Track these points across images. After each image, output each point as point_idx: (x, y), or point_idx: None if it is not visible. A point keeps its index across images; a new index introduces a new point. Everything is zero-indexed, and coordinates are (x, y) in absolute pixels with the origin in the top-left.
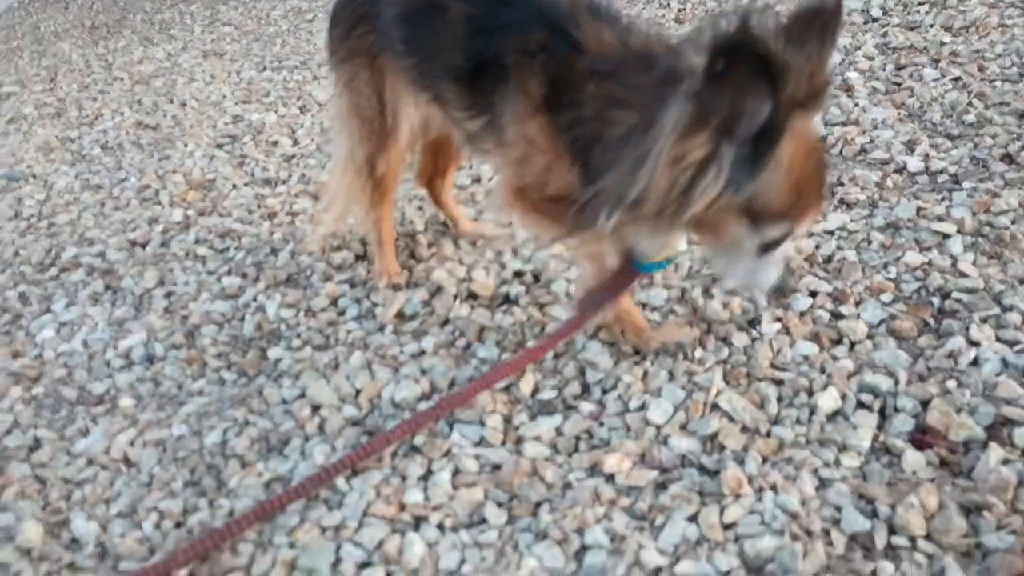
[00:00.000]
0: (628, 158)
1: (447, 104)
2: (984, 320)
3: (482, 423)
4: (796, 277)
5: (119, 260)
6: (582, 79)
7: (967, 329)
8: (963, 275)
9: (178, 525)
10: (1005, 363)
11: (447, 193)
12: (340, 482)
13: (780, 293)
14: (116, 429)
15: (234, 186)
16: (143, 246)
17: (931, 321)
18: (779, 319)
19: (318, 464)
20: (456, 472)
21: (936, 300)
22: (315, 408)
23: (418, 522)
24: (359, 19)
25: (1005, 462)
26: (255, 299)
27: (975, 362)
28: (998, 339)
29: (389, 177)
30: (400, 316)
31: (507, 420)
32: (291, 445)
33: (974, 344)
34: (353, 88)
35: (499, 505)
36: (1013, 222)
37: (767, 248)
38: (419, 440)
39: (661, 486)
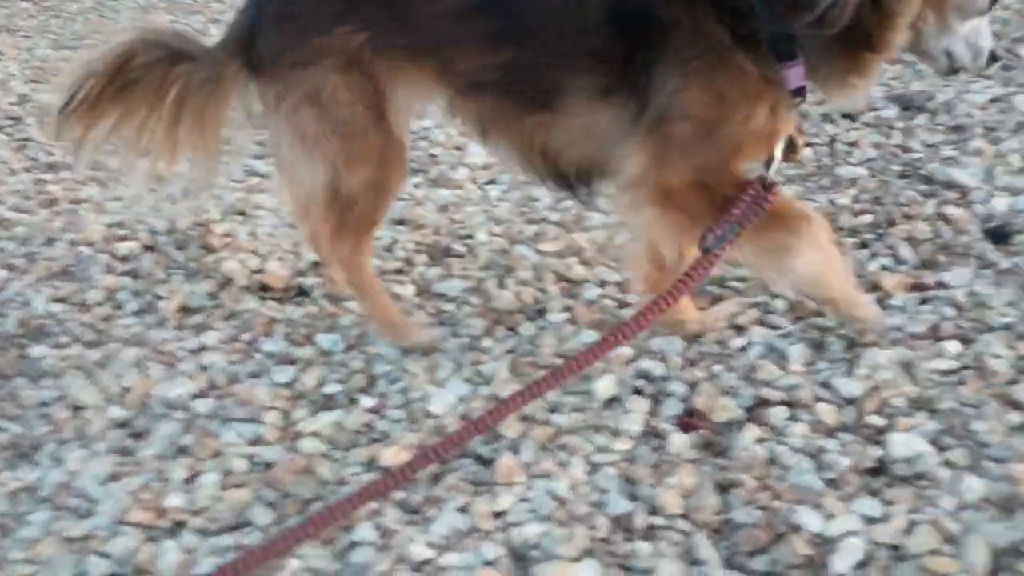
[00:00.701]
0: None
1: (568, 95)
2: (753, 306)
3: (258, 420)
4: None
5: None
6: None
7: (736, 315)
8: (738, 264)
9: None
10: (769, 347)
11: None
12: (93, 488)
13: (994, 59)
14: None
15: (12, 171)
16: None
17: (707, 307)
18: (568, 308)
19: (71, 471)
20: (225, 473)
21: (714, 288)
22: (77, 410)
23: (177, 527)
24: (340, 14)
25: (760, 441)
26: (20, 293)
27: (743, 347)
28: (764, 324)
29: (382, 208)
30: (184, 310)
31: (286, 416)
32: (43, 451)
33: (741, 329)
34: (319, 102)
35: (268, 505)
36: None
37: (993, 2)
38: (187, 440)
39: (437, 477)
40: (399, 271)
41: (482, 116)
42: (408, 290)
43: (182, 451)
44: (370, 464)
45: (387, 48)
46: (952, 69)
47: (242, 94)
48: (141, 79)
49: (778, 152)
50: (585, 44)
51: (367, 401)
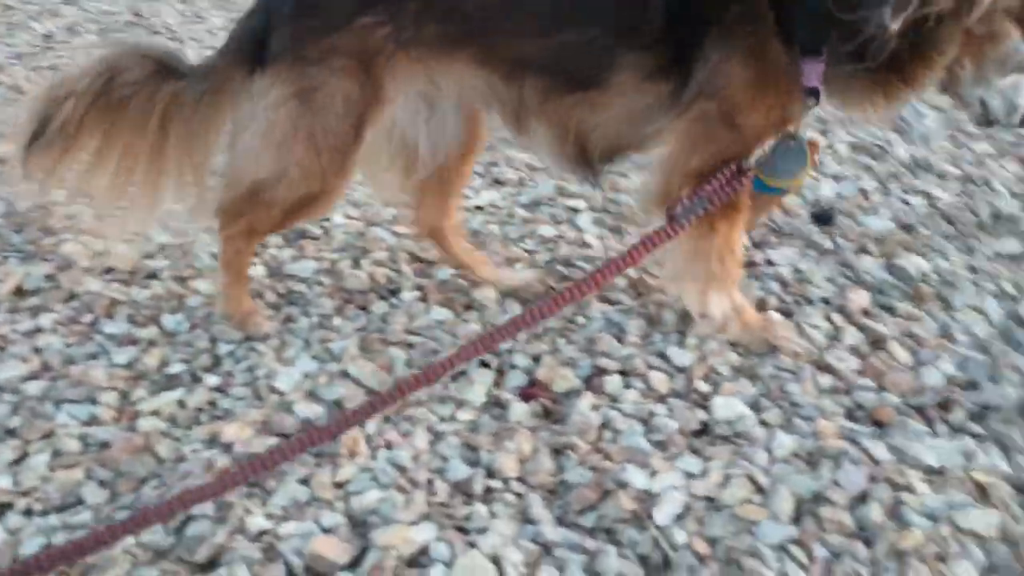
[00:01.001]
0: None
1: (617, 74)
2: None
3: (95, 401)
4: None
5: None
6: None
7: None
8: (586, 245)
9: None
10: (609, 321)
11: (457, 236)
12: None
13: None
14: None
15: None
16: None
17: (556, 286)
18: (420, 287)
19: None
20: (56, 454)
21: (562, 268)
22: None
23: (2, 509)
24: (363, 5)
25: (595, 408)
26: None
27: (584, 322)
28: (605, 301)
29: (292, 224)
30: (19, 292)
31: (125, 396)
32: None
33: (585, 303)
34: (310, 102)
35: (101, 484)
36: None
37: None
38: (15, 422)
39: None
40: None
41: (524, 98)
42: (258, 271)
43: (10, 433)
44: (211, 441)
45: (415, 39)
46: (986, 120)
47: (241, 102)
48: (131, 97)
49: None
50: (642, 23)
51: (212, 379)
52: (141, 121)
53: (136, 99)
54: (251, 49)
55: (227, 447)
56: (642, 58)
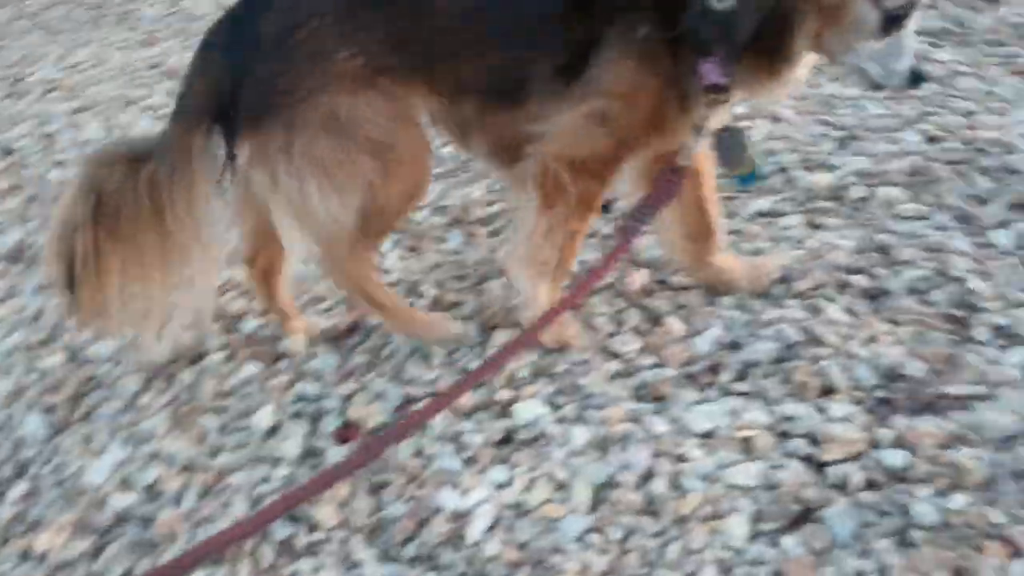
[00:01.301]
0: None
1: (531, 85)
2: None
3: None
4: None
5: None
6: None
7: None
8: (387, 271)
9: None
10: (415, 347)
11: (285, 284)
12: None
13: (918, 80)
14: None
15: None
16: None
17: (359, 320)
18: (226, 346)
19: None
20: None
21: (363, 300)
22: None
23: None
24: (337, 42)
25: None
26: None
27: (391, 352)
28: None
29: (404, 217)
30: None
31: None
32: None
33: (388, 334)
34: (340, 126)
35: None
36: (432, 214)
37: (891, 23)
38: None
39: (98, 551)
40: (43, 342)
41: (466, 120)
42: (56, 359)
43: None
44: (25, 555)
45: (382, 69)
46: (874, 85)
47: (211, 160)
48: (121, 203)
49: (694, 141)
50: (548, 34)
51: (20, 488)
52: (137, 216)
53: (125, 201)
54: (211, 105)
55: (42, 557)
56: (548, 68)
